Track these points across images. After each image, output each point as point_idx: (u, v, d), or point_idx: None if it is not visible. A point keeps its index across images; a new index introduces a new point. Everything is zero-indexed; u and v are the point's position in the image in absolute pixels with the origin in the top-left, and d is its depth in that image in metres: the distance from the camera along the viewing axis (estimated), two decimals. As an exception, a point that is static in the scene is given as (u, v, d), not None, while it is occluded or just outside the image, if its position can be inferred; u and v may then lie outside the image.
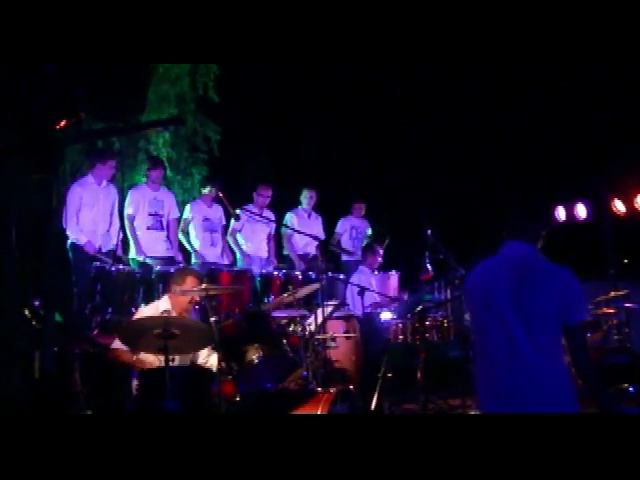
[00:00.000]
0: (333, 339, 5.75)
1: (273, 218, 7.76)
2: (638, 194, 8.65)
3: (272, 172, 9.42)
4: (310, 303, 6.11)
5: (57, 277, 5.78)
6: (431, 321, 6.61)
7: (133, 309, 5.95)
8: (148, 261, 6.82)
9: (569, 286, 2.93)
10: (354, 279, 7.37)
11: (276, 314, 5.52)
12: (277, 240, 8.16)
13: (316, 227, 8.21)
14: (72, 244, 6.46)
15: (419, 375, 5.64)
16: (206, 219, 7.41)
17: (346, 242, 8.75)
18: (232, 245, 7.67)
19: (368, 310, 6.95)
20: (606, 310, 6.39)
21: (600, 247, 8.78)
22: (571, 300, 2.91)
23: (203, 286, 4.65)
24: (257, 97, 9.40)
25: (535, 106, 9.55)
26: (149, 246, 6.94)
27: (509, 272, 3.01)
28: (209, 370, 4.68)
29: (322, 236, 8.09)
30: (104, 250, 6.56)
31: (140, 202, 6.99)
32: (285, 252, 8.21)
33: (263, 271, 7.37)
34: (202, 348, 4.78)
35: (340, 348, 5.99)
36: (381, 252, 8.01)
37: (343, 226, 8.80)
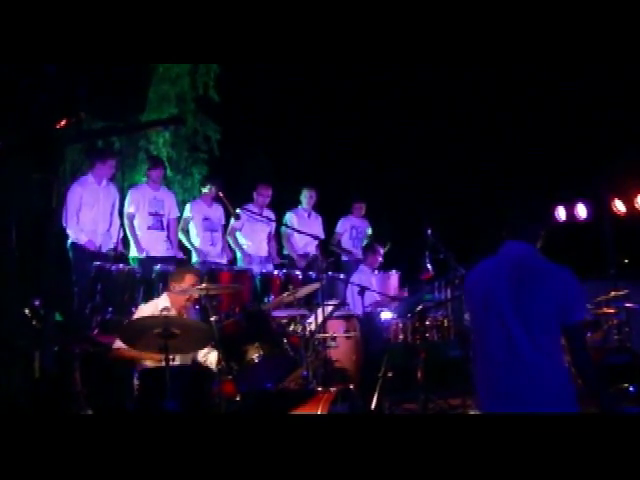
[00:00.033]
0: (333, 339, 5.76)
1: (273, 218, 7.76)
2: (638, 194, 8.66)
3: (272, 172, 9.42)
4: (310, 303, 6.10)
5: (57, 277, 5.78)
6: (431, 321, 6.60)
7: (133, 309, 5.95)
8: (151, 254, 6.83)
9: (569, 286, 2.93)
10: (354, 278, 7.37)
11: (276, 313, 5.52)
12: (277, 240, 8.17)
13: (316, 227, 8.21)
14: (72, 244, 6.47)
15: (419, 375, 5.63)
16: (206, 218, 7.41)
17: (346, 242, 8.75)
18: (232, 244, 7.67)
19: (368, 310, 6.95)
20: (606, 310, 6.39)
21: (600, 247, 8.79)
22: (571, 300, 2.91)
23: (203, 285, 4.66)
24: (257, 97, 9.40)
25: (535, 106, 9.54)
26: (149, 246, 6.95)
27: (509, 272, 3.00)
28: (209, 370, 4.68)
29: (322, 236, 8.10)
30: (104, 250, 6.58)
31: (140, 202, 7.00)
32: (285, 252, 8.22)
33: (263, 270, 7.38)
34: (202, 347, 4.78)
35: (340, 348, 5.99)
36: (382, 252, 8.02)
37: (343, 226, 8.80)
